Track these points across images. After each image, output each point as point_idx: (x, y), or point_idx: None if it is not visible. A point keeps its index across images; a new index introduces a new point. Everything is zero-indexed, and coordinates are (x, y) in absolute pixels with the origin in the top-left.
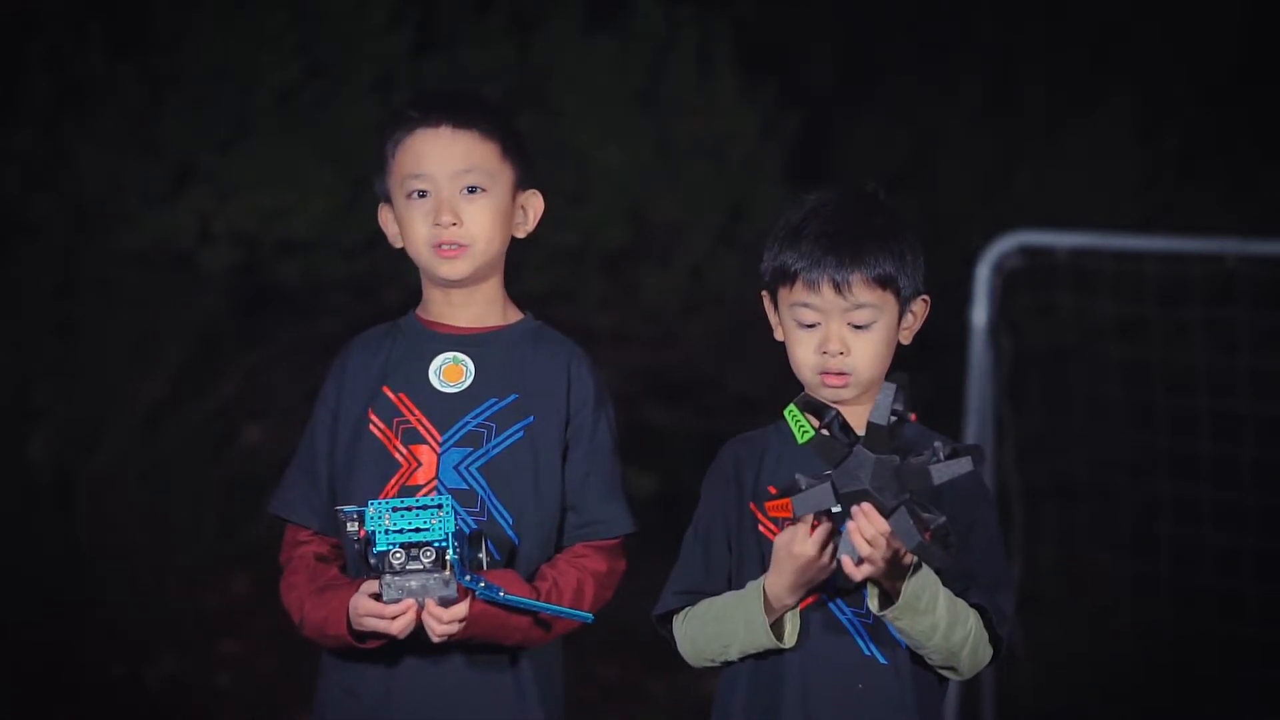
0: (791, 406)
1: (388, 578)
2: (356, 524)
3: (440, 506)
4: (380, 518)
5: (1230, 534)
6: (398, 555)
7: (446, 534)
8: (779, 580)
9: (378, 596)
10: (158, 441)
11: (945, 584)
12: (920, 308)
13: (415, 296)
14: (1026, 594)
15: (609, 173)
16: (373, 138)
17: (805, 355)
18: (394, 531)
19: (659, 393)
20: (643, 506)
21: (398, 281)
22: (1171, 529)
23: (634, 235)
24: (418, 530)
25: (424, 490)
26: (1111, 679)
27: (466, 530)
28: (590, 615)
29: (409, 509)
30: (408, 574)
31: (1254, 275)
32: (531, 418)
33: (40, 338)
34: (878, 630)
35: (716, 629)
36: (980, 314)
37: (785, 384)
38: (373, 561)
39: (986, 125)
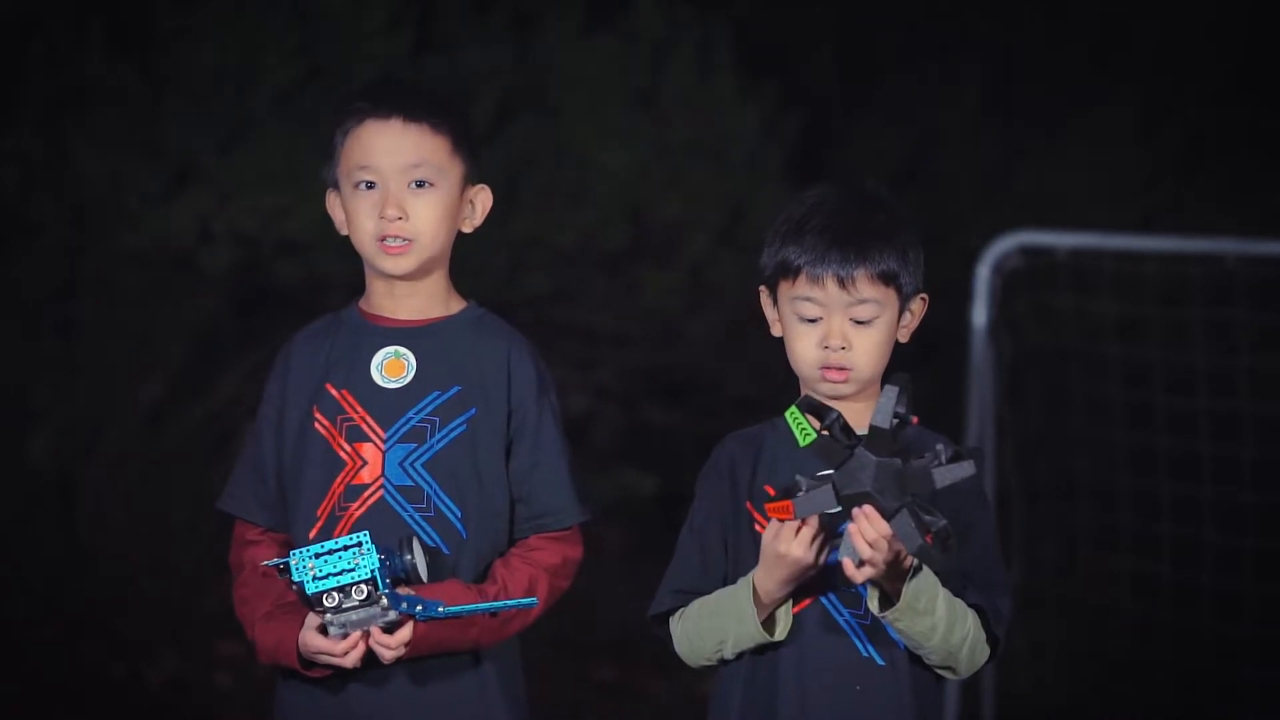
0: (793, 408)
1: (329, 617)
2: (286, 575)
3: (360, 544)
4: (304, 568)
5: (1230, 534)
6: (331, 598)
7: (372, 570)
8: (767, 577)
9: (324, 629)
10: (158, 441)
11: (943, 584)
12: (919, 306)
13: None
14: (1027, 594)
15: (609, 173)
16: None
17: (806, 350)
18: (320, 578)
19: (659, 393)
20: (643, 506)
21: None
22: (1171, 529)
23: (634, 235)
24: (343, 572)
25: (370, 489)
26: (1111, 679)
27: (393, 544)
28: (534, 600)
29: (330, 552)
30: (346, 610)
31: (1254, 275)
32: (474, 410)
33: (40, 338)
34: (875, 631)
35: (709, 625)
36: (980, 314)
37: (786, 384)
38: (311, 602)
39: (986, 125)
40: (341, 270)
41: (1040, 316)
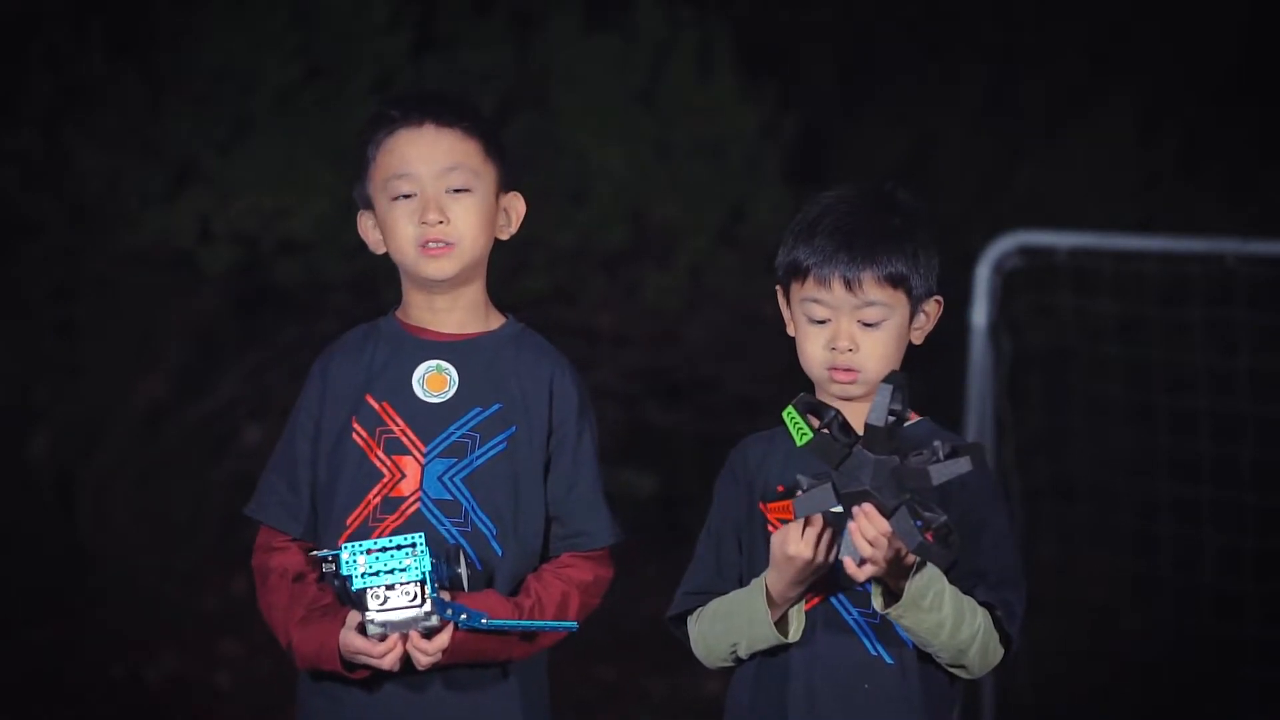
0: (790, 409)
1: (370, 614)
2: (332, 566)
3: (414, 545)
4: (354, 562)
5: (1230, 534)
6: (377, 595)
7: (424, 573)
8: (778, 579)
9: (363, 628)
10: (158, 441)
11: (954, 582)
12: (933, 308)
13: None
14: (1027, 594)
15: (609, 173)
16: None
17: (814, 351)
18: (370, 574)
19: (659, 393)
20: (642, 506)
21: (397, 282)
22: (1171, 529)
23: (634, 235)
24: (394, 571)
25: (408, 502)
26: (1111, 679)
27: (442, 552)
28: (574, 624)
29: (383, 550)
30: (389, 610)
31: (1254, 275)
32: (514, 428)
33: (40, 338)
34: (884, 630)
35: (724, 626)
36: (980, 314)
37: (787, 384)
38: (354, 598)
39: (986, 125)
40: (341, 270)
41: (1040, 316)
